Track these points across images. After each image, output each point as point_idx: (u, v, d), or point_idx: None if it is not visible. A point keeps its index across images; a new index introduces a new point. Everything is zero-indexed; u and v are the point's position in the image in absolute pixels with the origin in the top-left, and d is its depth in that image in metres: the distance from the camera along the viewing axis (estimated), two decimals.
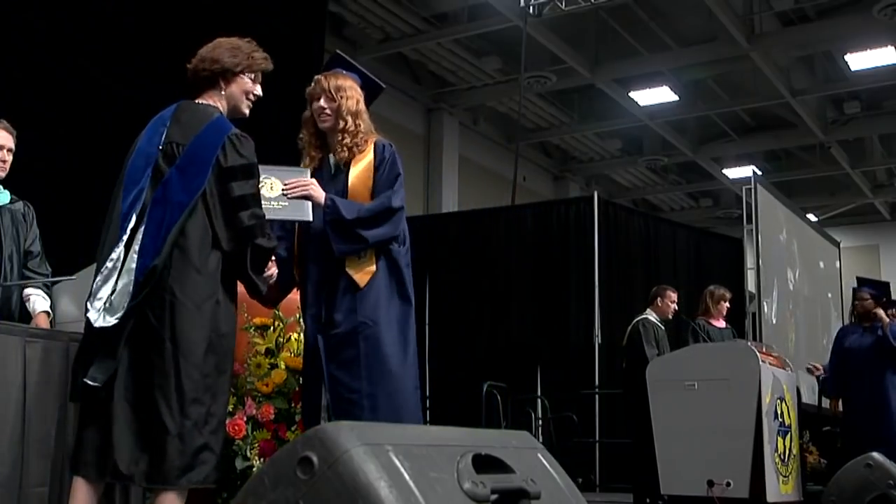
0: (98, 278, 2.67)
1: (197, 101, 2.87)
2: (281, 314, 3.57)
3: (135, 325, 2.59)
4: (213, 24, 5.70)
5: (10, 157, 3.73)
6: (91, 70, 6.32)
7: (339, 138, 3.19)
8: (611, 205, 10.26)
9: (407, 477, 1.42)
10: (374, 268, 3.12)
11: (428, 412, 9.06)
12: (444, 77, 13.25)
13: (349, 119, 3.19)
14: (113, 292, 2.62)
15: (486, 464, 1.58)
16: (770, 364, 5.42)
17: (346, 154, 3.20)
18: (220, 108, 2.86)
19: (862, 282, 7.11)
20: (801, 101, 13.33)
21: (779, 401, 5.38)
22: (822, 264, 11.16)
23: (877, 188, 17.35)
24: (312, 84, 3.26)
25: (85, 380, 2.56)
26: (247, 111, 2.95)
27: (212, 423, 2.61)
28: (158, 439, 2.52)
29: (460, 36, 11.92)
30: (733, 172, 16.30)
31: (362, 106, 3.25)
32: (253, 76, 2.92)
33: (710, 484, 4.97)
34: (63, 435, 2.92)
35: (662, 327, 6.53)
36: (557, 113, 14.67)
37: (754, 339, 8.19)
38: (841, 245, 12.02)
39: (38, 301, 3.70)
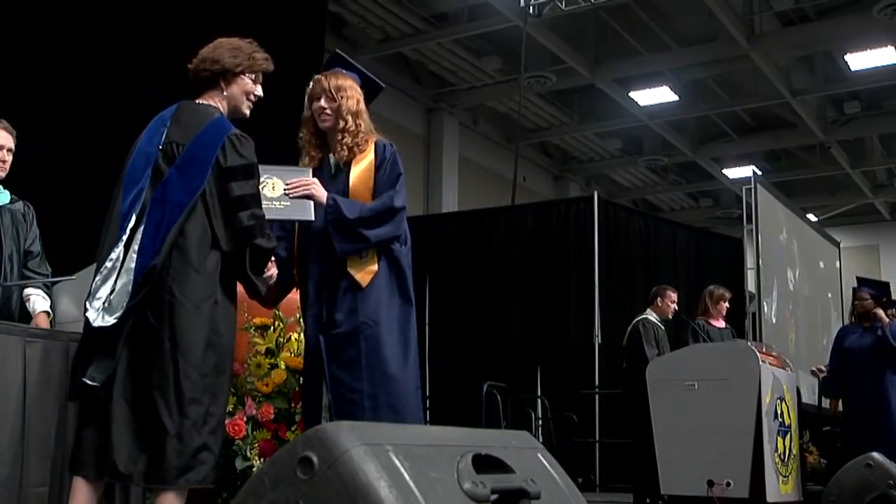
0: (97, 278, 2.67)
1: (197, 102, 2.87)
2: (281, 314, 3.57)
3: (134, 325, 2.59)
4: (213, 24, 5.70)
5: (10, 157, 3.73)
6: (91, 70, 6.32)
7: (340, 138, 3.19)
8: (611, 205, 10.26)
9: (407, 477, 1.42)
10: (375, 267, 3.12)
11: (428, 412, 9.06)
12: (444, 77, 13.25)
13: (349, 119, 3.19)
14: (112, 292, 2.62)
15: (486, 464, 1.58)
16: (770, 364, 5.42)
17: (347, 154, 3.19)
18: (221, 109, 2.87)
19: (862, 282, 7.11)
20: (801, 101, 13.33)
21: (779, 401, 5.38)
22: (822, 264, 11.16)
23: (877, 188, 17.35)
24: (312, 84, 3.26)
25: (84, 379, 2.56)
26: (247, 112, 2.95)
27: (210, 423, 2.61)
28: (157, 439, 2.52)
29: (460, 36, 11.92)
30: (733, 172, 16.30)
31: (363, 106, 3.25)
32: (254, 77, 2.92)
33: (710, 484, 4.97)
34: (63, 435, 2.92)
35: (662, 327, 6.53)
36: (557, 113, 14.67)
37: (754, 339, 8.19)
38: (841, 245, 12.02)
39: (38, 301, 3.70)
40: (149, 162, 2.75)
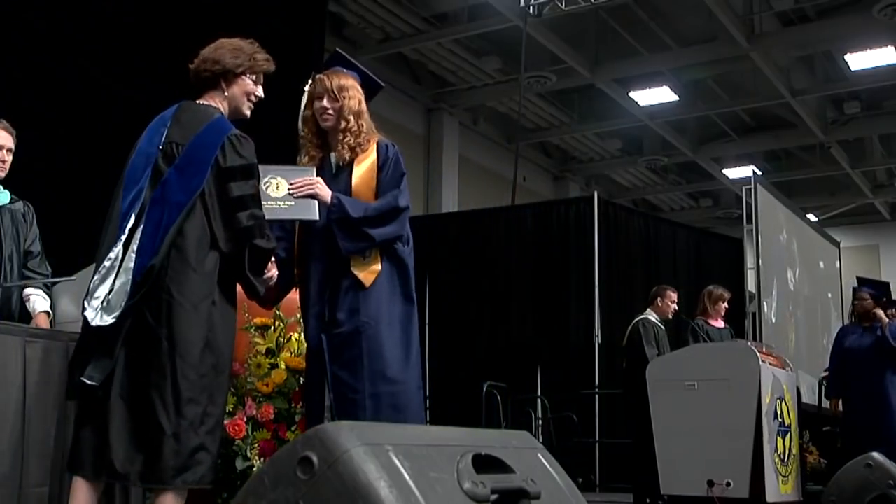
0: (96, 277, 2.68)
1: (198, 102, 2.87)
2: (281, 314, 3.57)
3: (132, 325, 2.59)
4: (214, 24, 5.69)
5: (10, 157, 3.72)
6: (91, 70, 6.31)
7: (342, 138, 3.19)
8: (611, 205, 10.26)
9: (407, 477, 1.42)
10: (379, 267, 3.11)
11: (428, 412, 9.06)
12: (444, 77, 13.25)
13: (352, 119, 3.19)
14: (111, 291, 2.62)
15: (486, 464, 1.58)
16: (770, 364, 5.42)
17: (349, 154, 3.19)
18: (222, 109, 2.87)
19: (862, 282, 7.12)
20: (801, 101, 13.33)
21: (779, 401, 5.38)
22: (822, 264, 11.16)
23: (877, 188, 17.35)
24: (314, 83, 3.25)
25: (82, 378, 2.56)
26: (248, 112, 2.95)
27: (208, 424, 2.60)
28: (154, 439, 2.52)
29: (460, 36, 11.92)
30: (733, 172, 16.30)
31: (364, 106, 3.25)
32: (255, 77, 2.92)
33: (710, 484, 4.98)
34: (63, 435, 2.92)
35: (662, 327, 6.54)
36: (557, 113, 14.67)
37: (754, 339, 8.19)
38: (841, 245, 12.03)
39: (38, 301, 3.70)
40: (149, 162, 2.76)
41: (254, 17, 6.99)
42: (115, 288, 2.62)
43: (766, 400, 5.17)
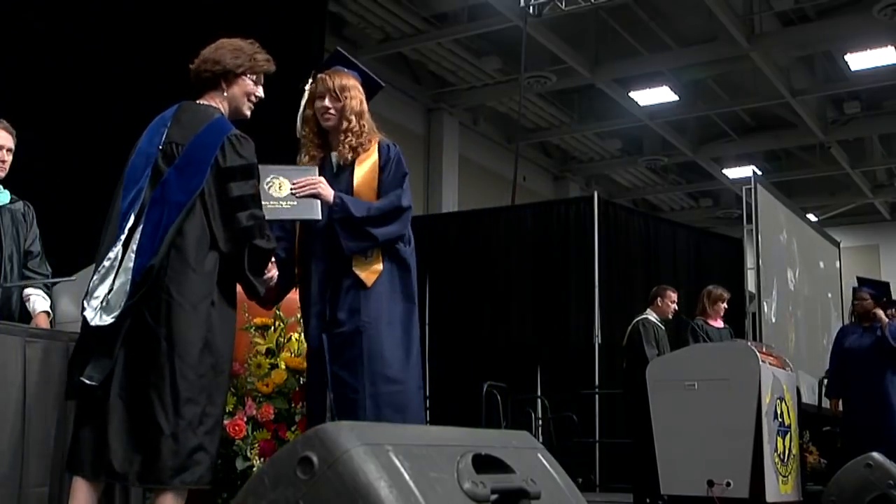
0: (95, 277, 2.68)
1: (198, 102, 2.87)
2: (282, 314, 3.56)
3: (131, 325, 2.59)
4: (214, 24, 5.68)
5: (10, 157, 3.73)
6: (91, 70, 6.32)
7: (344, 138, 3.19)
8: (611, 205, 10.26)
9: (407, 477, 1.42)
10: (380, 267, 3.11)
11: (428, 412, 9.06)
12: (444, 77, 13.25)
13: (353, 119, 3.18)
14: (110, 291, 2.62)
15: (486, 464, 1.58)
16: (770, 364, 5.42)
17: (351, 154, 3.19)
18: (222, 110, 2.87)
19: (862, 282, 7.12)
20: (801, 101, 13.33)
21: (779, 401, 5.38)
22: (822, 264, 11.16)
23: (877, 188, 17.35)
24: (315, 82, 3.25)
25: (81, 378, 2.56)
26: (248, 113, 2.95)
27: (207, 424, 2.60)
28: (152, 439, 2.52)
29: (460, 36, 11.92)
30: (733, 172, 16.30)
31: (365, 105, 3.25)
32: (255, 78, 2.92)
33: (710, 484, 4.98)
34: (63, 435, 2.92)
35: (662, 327, 6.54)
36: (557, 113, 14.67)
37: (754, 339, 8.20)
38: (841, 245, 12.03)
39: (38, 301, 3.70)
40: (148, 162, 2.76)
41: (254, 17, 6.99)
42: (115, 288, 2.62)
43: (766, 400, 5.17)
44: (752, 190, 8.75)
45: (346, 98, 3.18)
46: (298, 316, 3.34)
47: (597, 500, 7.41)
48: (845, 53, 12.16)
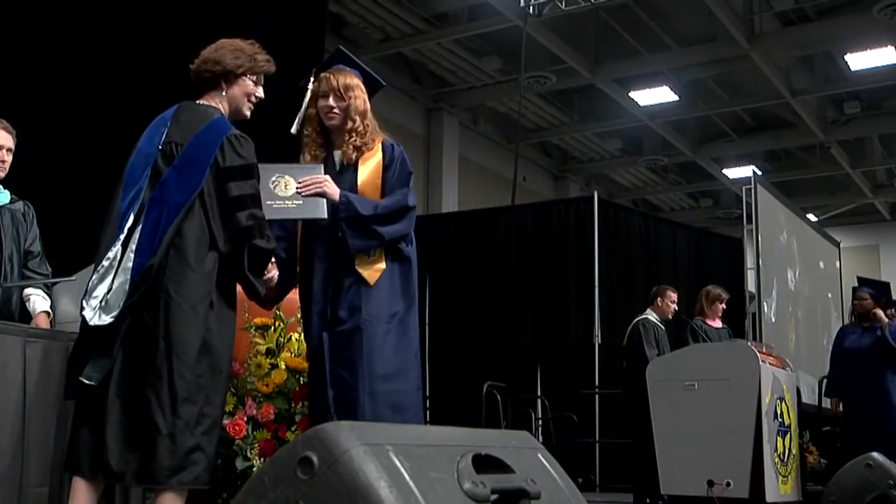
0: (94, 277, 2.68)
1: (198, 102, 2.88)
2: (281, 314, 3.56)
3: (130, 325, 2.60)
4: (214, 24, 5.71)
5: (10, 157, 3.73)
6: (91, 70, 6.32)
7: (348, 138, 3.19)
8: (611, 205, 10.26)
9: (407, 477, 1.42)
10: (383, 266, 3.11)
11: (428, 412, 9.06)
12: (444, 77, 13.25)
13: (357, 119, 3.18)
14: (109, 291, 2.62)
15: (486, 464, 1.58)
16: (770, 364, 5.42)
17: (355, 154, 3.19)
18: (222, 110, 2.87)
19: (862, 282, 7.12)
20: (801, 101, 13.33)
21: (779, 401, 5.38)
22: (822, 264, 11.17)
23: (877, 188, 17.35)
24: (317, 81, 3.24)
25: (81, 378, 2.56)
26: (248, 113, 2.95)
27: (204, 424, 2.60)
28: (149, 438, 2.52)
29: (460, 36, 11.92)
30: (733, 172, 16.30)
31: (368, 105, 3.25)
32: (255, 78, 2.92)
33: (710, 484, 4.98)
34: (63, 435, 2.92)
35: (662, 327, 6.53)
36: (557, 113, 14.67)
37: (754, 339, 8.20)
38: (841, 245, 12.03)
39: (38, 301, 3.70)
40: (148, 162, 2.76)
41: (254, 17, 7.00)
42: (114, 287, 2.62)
43: (766, 400, 5.17)
44: (752, 190, 8.75)
45: (350, 97, 3.18)
46: (298, 316, 3.34)
47: (597, 500, 7.41)
48: (845, 53, 12.16)
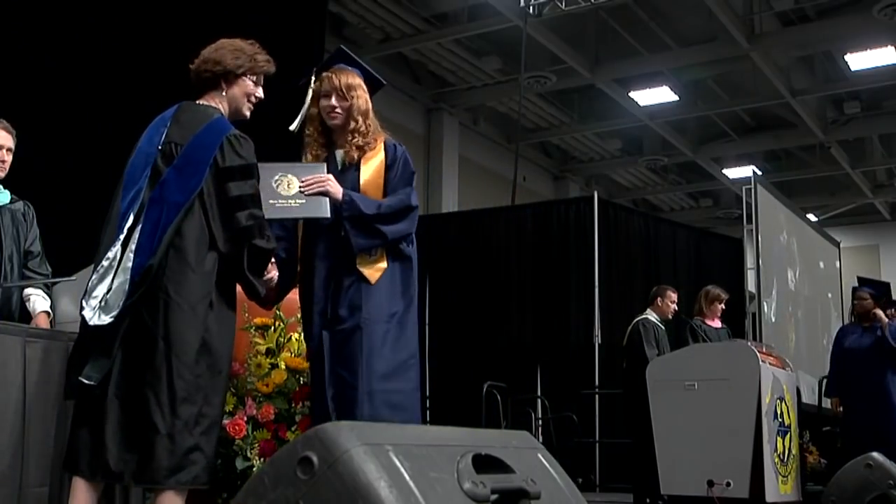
0: (94, 277, 2.68)
1: (198, 103, 2.87)
2: (281, 314, 3.56)
3: (129, 325, 2.60)
4: (214, 24, 5.71)
5: (10, 157, 3.73)
6: (91, 70, 6.32)
7: (351, 138, 3.19)
8: (611, 205, 10.26)
9: (407, 477, 1.42)
10: (384, 265, 3.11)
11: (428, 412, 9.06)
12: (444, 77, 13.25)
13: (360, 119, 3.18)
14: (109, 291, 2.62)
15: (486, 464, 1.58)
16: (770, 364, 5.42)
17: (357, 154, 3.19)
18: (221, 110, 2.87)
19: (862, 282, 7.12)
20: (801, 101, 13.33)
21: (779, 401, 5.38)
22: (822, 264, 11.17)
23: (877, 188, 17.35)
24: (319, 81, 3.24)
25: (80, 378, 2.56)
26: (248, 113, 2.95)
27: (203, 424, 2.60)
28: (148, 438, 2.52)
29: (460, 36, 11.92)
30: (733, 172, 16.30)
31: (370, 105, 3.25)
32: (255, 79, 2.92)
33: (710, 484, 4.98)
34: (63, 435, 2.92)
35: (662, 327, 6.54)
36: (557, 113, 14.67)
37: (754, 339, 8.20)
38: (841, 245, 12.03)
39: (38, 301, 3.70)
40: (148, 162, 2.76)
41: (254, 17, 7.00)
42: (114, 287, 2.62)
43: (766, 400, 5.17)
44: (752, 190, 8.75)
45: (352, 97, 3.18)
46: (298, 316, 3.34)
47: (597, 500, 7.41)
48: (845, 53, 12.15)
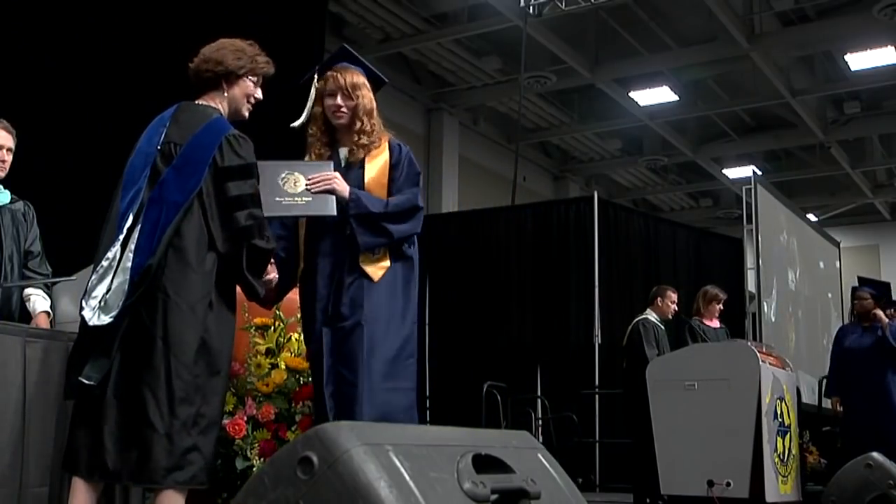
0: (94, 277, 2.68)
1: (197, 103, 2.87)
2: (281, 314, 3.56)
3: (129, 325, 2.59)
4: (213, 23, 5.71)
5: (10, 157, 3.73)
6: (91, 70, 6.32)
7: (356, 139, 3.19)
8: (611, 205, 10.26)
9: (407, 477, 1.42)
10: (387, 263, 3.12)
11: (428, 412, 9.06)
12: (444, 77, 13.25)
13: (365, 119, 3.18)
14: (108, 291, 2.62)
15: (486, 464, 1.58)
16: (770, 364, 5.42)
17: (362, 153, 3.19)
18: (221, 110, 2.87)
19: (862, 282, 7.13)
20: (801, 101, 13.33)
21: (779, 401, 5.38)
22: (822, 264, 11.17)
23: (877, 188, 17.35)
24: (323, 80, 3.23)
25: (80, 378, 2.56)
26: (246, 114, 2.95)
27: (201, 424, 2.60)
28: (146, 438, 2.52)
29: (460, 36, 11.92)
30: (733, 172, 16.30)
31: (374, 104, 3.25)
32: (255, 80, 2.92)
33: (710, 484, 4.97)
34: (63, 435, 2.92)
35: (662, 327, 6.54)
36: (557, 113, 14.67)
37: (754, 339, 8.20)
38: (841, 245, 12.03)
39: (38, 301, 3.70)
40: (147, 162, 2.76)
41: (254, 16, 7.00)
42: (113, 287, 2.62)
43: (766, 400, 5.17)
44: (752, 190, 8.75)
45: (358, 96, 3.18)
46: (298, 316, 3.34)
47: (597, 500, 7.41)
48: (845, 53, 12.15)
